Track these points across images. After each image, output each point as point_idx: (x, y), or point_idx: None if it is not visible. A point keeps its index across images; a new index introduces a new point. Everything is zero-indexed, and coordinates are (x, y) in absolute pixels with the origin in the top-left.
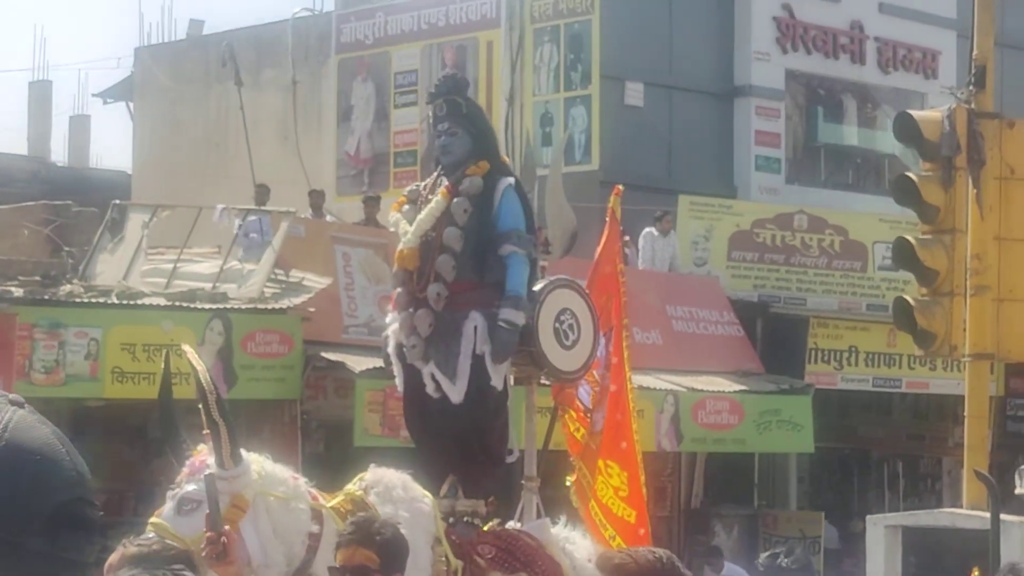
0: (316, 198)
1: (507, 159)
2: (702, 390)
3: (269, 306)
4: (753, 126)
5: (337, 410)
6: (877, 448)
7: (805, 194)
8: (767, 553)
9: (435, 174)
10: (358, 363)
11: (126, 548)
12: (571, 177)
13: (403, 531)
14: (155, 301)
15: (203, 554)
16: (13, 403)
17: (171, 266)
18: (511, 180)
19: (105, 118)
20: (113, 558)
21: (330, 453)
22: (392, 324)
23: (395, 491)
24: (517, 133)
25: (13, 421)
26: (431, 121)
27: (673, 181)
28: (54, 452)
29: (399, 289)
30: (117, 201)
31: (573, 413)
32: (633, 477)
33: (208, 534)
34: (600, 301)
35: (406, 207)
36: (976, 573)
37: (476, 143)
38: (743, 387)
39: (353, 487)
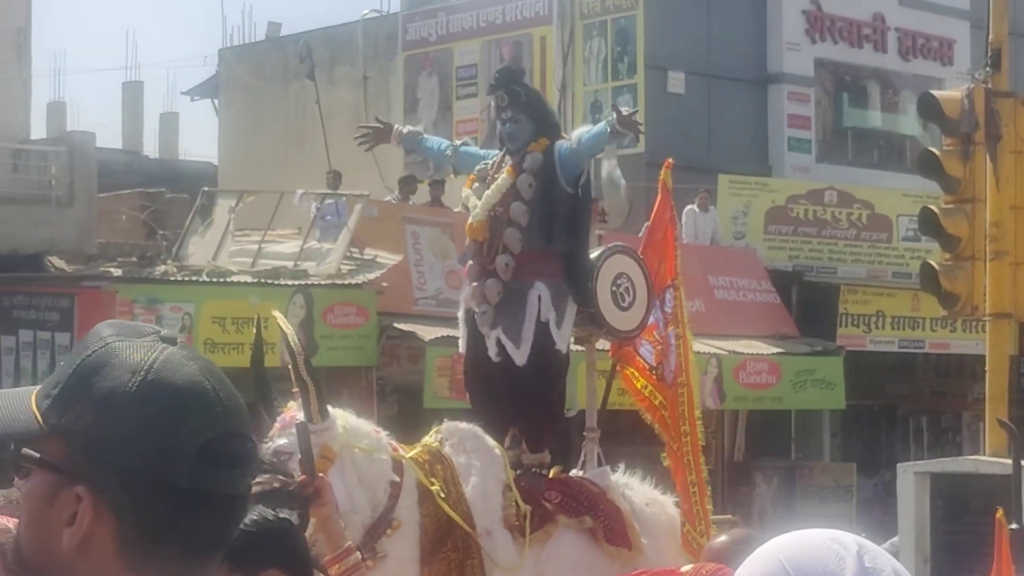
0: (406, 183)
1: (566, 136)
2: (742, 353)
3: (346, 281)
4: (786, 110)
5: (409, 375)
6: (903, 404)
7: (834, 172)
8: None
9: (501, 154)
10: (428, 332)
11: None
12: (620, 160)
13: (476, 479)
14: (242, 278)
15: None
16: (165, 340)
17: (256, 246)
18: (560, 141)
19: (192, 113)
20: None
21: (403, 415)
22: (464, 292)
23: (468, 442)
24: (569, 121)
25: (160, 360)
26: (494, 110)
27: (713, 162)
28: (199, 389)
29: (471, 261)
30: (206, 188)
31: (634, 371)
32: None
33: (302, 477)
34: (653, 265)
35: (476, 185)
36: (1000, 514)
37: (538, 126)
38: (780, 350)
39: (430, 439)
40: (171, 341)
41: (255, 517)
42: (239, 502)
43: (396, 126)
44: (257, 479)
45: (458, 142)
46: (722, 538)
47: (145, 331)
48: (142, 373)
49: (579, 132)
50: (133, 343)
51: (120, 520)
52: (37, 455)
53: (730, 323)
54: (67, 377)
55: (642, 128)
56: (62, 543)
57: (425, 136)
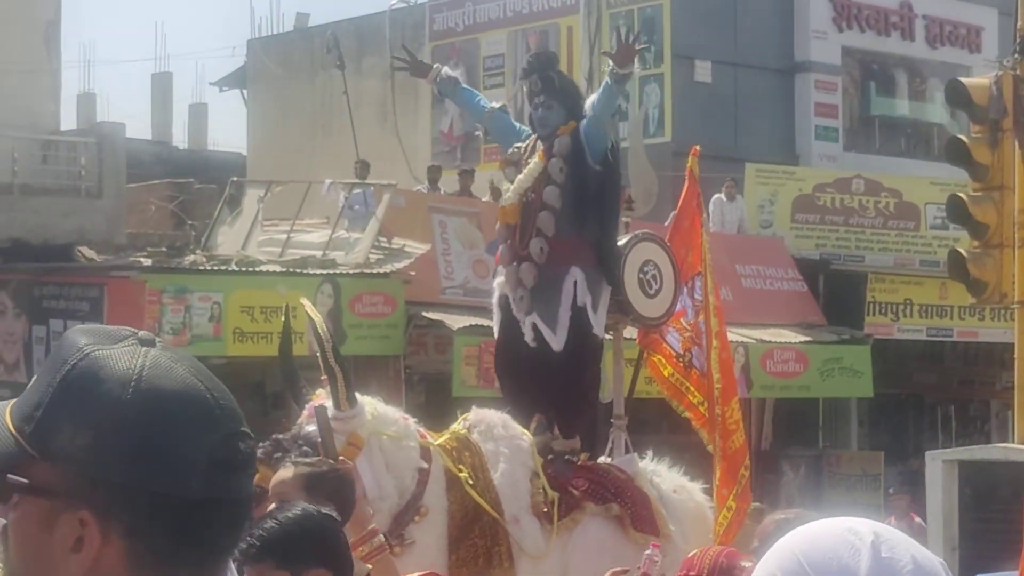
0: (434, 172)
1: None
2: (770, 341)
3: (374, 271)
4: (812, 99)
5: (437, 364)
6: (930, 393)
7: (861, 160)
8: None
9: (534, 139)
10: (455, 321)
11: (297, 467)
12: (647, 148)
13: (504, 466)
14: (271, 268)
15: None
16: (143, 342)
17: (284, 236)
18: (583, 121)
19: (221, 104)
20: (284, 474)
21: (430, 404)
22: (499, 277)
23: (496, 429)
24: None
25: (147, 366)
26: (527, 95)
27: (740, 150)
28: (195, 392)
29: (503, 245)
30: (234, 179)
31: (661, 358)
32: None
33: (319, 459)
34: (680, 253)
35: (507, 169)
36: None
37: (569, 112)
38: (807, 338)
39: (458, 426)
40: (150, 343)
41: (299, 513)
42: (247, 504)
43: (436, 65)
44: (308, 460)
45: (497, 104)
46: (777, 516)
47: (121, 335)
48: (133, 383)
49: (590, 101)
50: (113, 350)
51: (130, 541)
52: (25, 481)
53: (757, 312)
54: (49, 397)
55: (640, 45)
56: (68, 570)
57: (465, 86)
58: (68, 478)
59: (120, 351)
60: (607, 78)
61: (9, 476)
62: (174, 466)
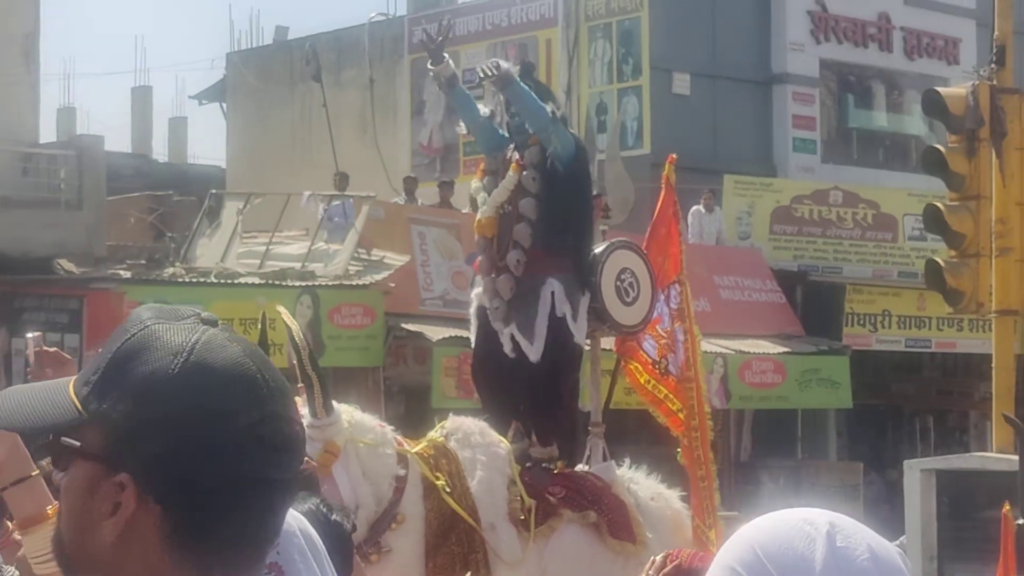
0: (410, 183)
1: (573, 131)
2: (748, 352)
3: (353, 282)
4: (790, 111)
5: (416, 375)
6: (909, 404)
7: (839, 172)
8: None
9: (511, 148)
10: (435, 332)
11: None
12: (625, 160)
13: (481, 473)
14: (250, 280)
15: None
16: (205, 322)
17: (263, 248)
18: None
19: (201, 117)
20: None
21: (410, 415)
22: (476, 288)
23: (473, 437)
24: (574, 123)
25: (202, 341)
26: (504, 104)
27: (718, 162)
28: (243, 370)
29: (481, 256)
30: (214, 191)
31: (638, 365)
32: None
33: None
34: (657, 261)
35: (486, 179)
36: (1007, 509)
37: None
38: (786, 349)
39: (435, 434)
40: (212, 323)
41: (311, 509)
42: (287, 488)
43: (449, 59)
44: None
45: (488, 113)
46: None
47: (185, 313)
48: (183, 355)
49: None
50: (173, 326)
51: (164, 509)
52: (76, 444)
53: (736, 323)
54: (106, 362)
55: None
56: (104, 535)
57: (462, 88)
58: (111, 441)
59: (179, 326)
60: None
61: (62, 439)
62: (212, 438)
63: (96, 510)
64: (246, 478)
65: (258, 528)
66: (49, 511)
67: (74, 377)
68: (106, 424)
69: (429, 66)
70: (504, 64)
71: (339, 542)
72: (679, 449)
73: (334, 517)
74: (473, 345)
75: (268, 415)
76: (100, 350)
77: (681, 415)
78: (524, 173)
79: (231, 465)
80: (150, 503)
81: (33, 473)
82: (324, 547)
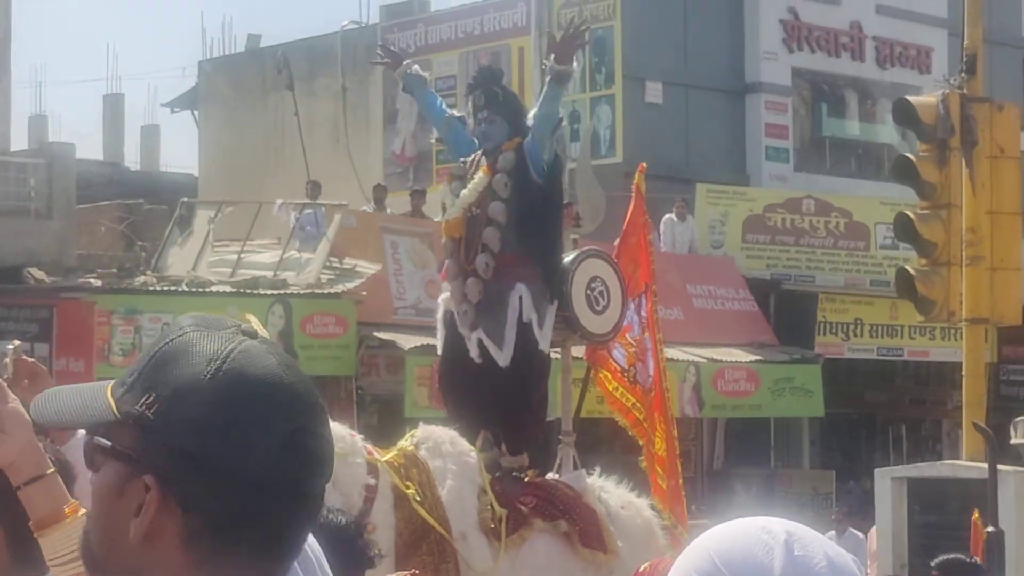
0: (379, 192)
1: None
2: (721, 360)
3: (325, 291)
4: (763, 120)
5: (389, 385)
6: (882, 412)
7: (812, 181)
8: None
9: (478, 153)
10: (407, 341)
11: None
12: (597, 169)
13: (451, 483)
14: (221, 289)
15: None
16: (245, 333)
17: (235, 257)
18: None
19: (173, 125)
20: None
21: (383, 424)
22: (443, 293)
23: (444, 446)
24: None
25: (239, 350)
26: (471, 111)
27: (691, 171)
28: (277, 381)
29: (448, 260)
30: (185, 199)
31: (607, 373)
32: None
33: None
34: (627, 269)
35: (454, 184)
36: (976, 515)
37: (513, 127)
38: (758, 357)
39: (405, 443)
40: (251, 334)
41: (322, 522)
42: (313, 502)
43: (408, 61)
44: None
45: (457, 113)
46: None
47: (226, 324)
48: (218, 362)
49: (532, 112)
50: (212, 334)
51: (187, 512)
52: (107, 443)
53: (708, 331)
54: (143, 365)
55: (585, 27)
56: (129, 536)
57: (429, 89)
58: (140, 442)
59: (217, 335)
60: (547, 76)
61: (95, 437)
62: (238, 445)
63: (123, 510)
64: (270, 489)
65: (281, 539)
66: (66, 510)
67: (113, 380)
68: (136, 425)
69: (394, 73)
70: (575, 64)
71: (355, 545)
72: (641, 457)
73: (345, 520)
74: (440, 352)
75: (298, 428)
76: (140, 353)
77: (647, 424)
78: (496, 176)
79: (256, 474)
80: (173, 506)
81: (49, 471)
82: (320, 548)
